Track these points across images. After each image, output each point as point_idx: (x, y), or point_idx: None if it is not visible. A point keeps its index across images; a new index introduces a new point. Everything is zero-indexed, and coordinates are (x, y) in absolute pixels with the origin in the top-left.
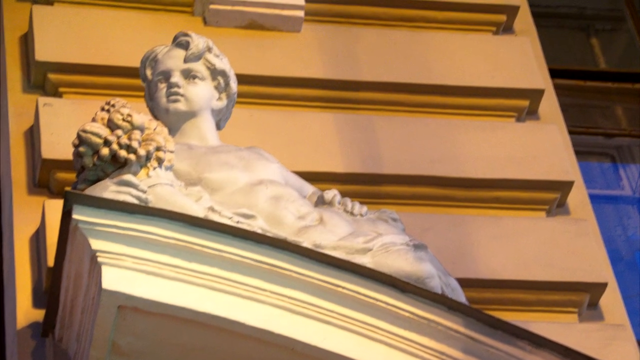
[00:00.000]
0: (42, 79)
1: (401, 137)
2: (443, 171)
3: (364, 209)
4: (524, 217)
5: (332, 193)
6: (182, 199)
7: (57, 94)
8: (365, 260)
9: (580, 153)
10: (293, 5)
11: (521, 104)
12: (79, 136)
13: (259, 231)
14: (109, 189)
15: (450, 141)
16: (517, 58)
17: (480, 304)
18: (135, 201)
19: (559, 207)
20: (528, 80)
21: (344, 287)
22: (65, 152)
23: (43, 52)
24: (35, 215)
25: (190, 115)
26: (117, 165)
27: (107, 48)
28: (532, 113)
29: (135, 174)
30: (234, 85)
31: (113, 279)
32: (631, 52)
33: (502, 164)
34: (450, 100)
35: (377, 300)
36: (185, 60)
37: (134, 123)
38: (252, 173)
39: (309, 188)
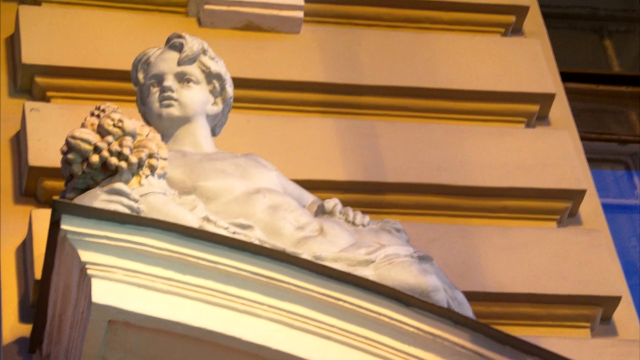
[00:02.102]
0: (29, 82)
1: (405, 144)
2: (449, 179)
3: (366, 219)
4: (534, 228)
5: (332, 202)
6: (175, 208)
7: (44, 99)
8: (367, 273)
9: (593, 160)
10: (292, 6)
11: (531, 109)
12: (67, 142)
13: (256, 242)
14: (99, 198)
15: (457, 148)
16: (526, 61)
17: (488, 319)
18: (126, 211)
19: (570, 217)
20: (538, 84)
21: (345, 301)
22: (53, 159)
23: (30, 54)
24: (21, 225)
25: (184, 120)
26: (107, 173)
27: (97, 50)
28: (542, 118)
29: (126, 182)
30: (230, 89)
31: (103, 292)
32: None
33: (511, 171)
34: (456, 104)
35: (380, 314)
36: (179, 63)
37: (125, 129)
38: (249, 181)
39: (309, 197)
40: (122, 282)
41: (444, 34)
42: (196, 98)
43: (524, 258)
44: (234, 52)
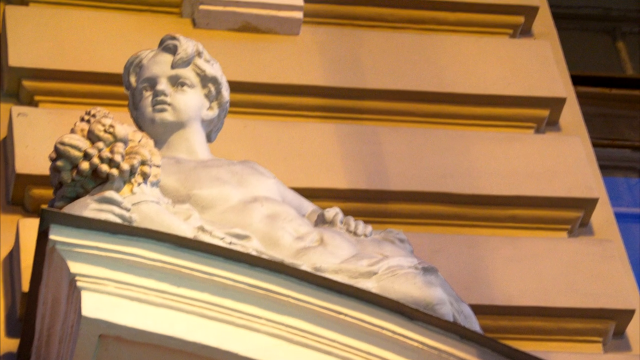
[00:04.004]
0: (16, 86)
1: (409, 150)
2: (455, 187)
3: (369, 228)
4: (544, 238)
5: (333, 211)
6: (169, 217)
7: (32, 103)
8: (369, 285)
9: (605, 167)
10: (291, 6)
11: (541, 114)
12: (56, 149)
13: (254, 253)
14: (89, 207)
15: (463, 154)
16: (536, 63)
17: (495, 333)
18: (118, 220)
19: (581, 227)
20: (548, 87)
21: (346, 315)
22: (41, 166)
23: (17, 56)
24: (8, 235)
25: (178, 126)
26: (98, 180)
27: (88, 52)
28: (552, 124)
29: (118, 190)
30: (226, 93)
31: (94, 306)
32: None
33: (519, 179)
34: (462, 109)
35: (383, 328)
36: (173, 66)
37: (116, 135)
38: (246, 189)
39: (308, 206)
40: (114, 294)
41: (450, 35)
42: (191, 102)
43: (534, 270)
44: (231, 54)
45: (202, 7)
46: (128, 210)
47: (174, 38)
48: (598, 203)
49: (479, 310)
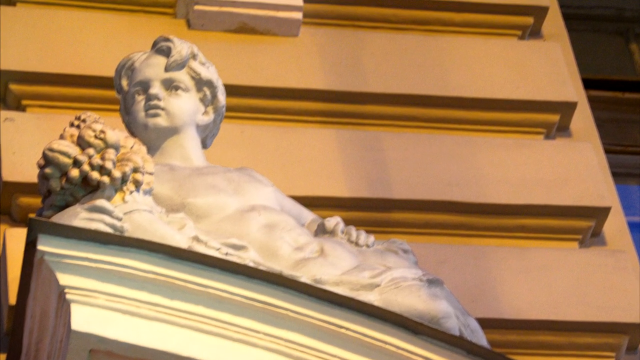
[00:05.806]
0: (3, 90)
1: (413, 157)
2: (461, 196)
3: (371, 239)
4: (554, 249)
5: (334, 221)
6: (162, 227)
7: (19, 108)
8: (372, 298)
9: (618, 175)
10: (290, 6)
11: (550, 119)
12: (44, 156)
13: (251, 264)
14: (79, 216)
15: (470, 161)
16: (545, 66)
17: (503, 348)
18: (109, 230)
19: (593, 237)
20: (558, 91)
21: (347, 328)
22: (29, 173)
23: (4, 59)
24: None
25: (172, 131)
26: (88, 188)
27: (77, 55)
28: (563, 129)
29: (109, 198)
30: (222, 97)
31: (84, 319)
32: None
33: (528, 187)
34: (469, 114)
35: (386, 343)
36: (167, 69)
37: (107, 141)
38: (242, 198)
39: (308, 215)
40: (104, 307)
41: (456, 37)
42: (185, 107)
43: (543, 281)
44: (227, 56)
45: (197, 7)
46: (120, 219)
47: (167, 40)
48: (610, 212)
49: (486, 324)
